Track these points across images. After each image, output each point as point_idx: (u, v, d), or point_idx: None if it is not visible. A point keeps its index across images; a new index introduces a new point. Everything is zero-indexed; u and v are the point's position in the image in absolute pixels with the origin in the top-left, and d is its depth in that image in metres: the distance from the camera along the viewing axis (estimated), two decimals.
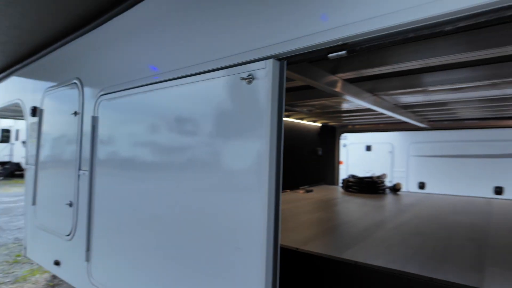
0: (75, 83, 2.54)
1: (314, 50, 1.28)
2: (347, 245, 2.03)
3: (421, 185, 7.04)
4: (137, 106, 1.99)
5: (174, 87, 1.75)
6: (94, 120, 2.31)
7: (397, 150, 7.53)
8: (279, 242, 1.36)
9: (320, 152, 5.64)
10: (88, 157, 2.31)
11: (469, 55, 1.86)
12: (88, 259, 2.28)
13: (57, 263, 2.66)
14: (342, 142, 7.25)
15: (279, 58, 1.37)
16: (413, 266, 1.68)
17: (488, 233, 2.38)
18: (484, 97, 2.91)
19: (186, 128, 1.70)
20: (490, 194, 5.93)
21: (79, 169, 2.43)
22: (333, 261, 1.79)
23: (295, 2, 1.31)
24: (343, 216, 3.03)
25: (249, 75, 1.42)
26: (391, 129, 5.97)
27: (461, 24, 1.01)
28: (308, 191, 4.53)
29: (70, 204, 2.48)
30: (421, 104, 3.35)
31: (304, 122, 5.20)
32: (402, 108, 3.53)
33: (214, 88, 1.56)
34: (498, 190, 5.93)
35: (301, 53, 1.32)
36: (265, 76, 1.37)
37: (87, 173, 2.32)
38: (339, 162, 6.42)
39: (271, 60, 1.36)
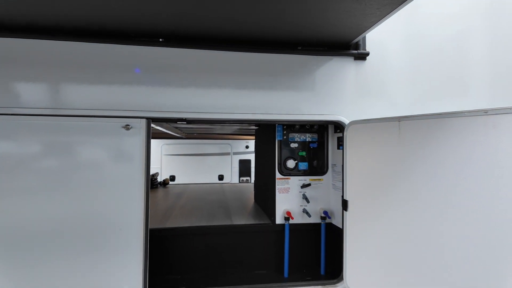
0: None
1: (170, 118, 2.52)
2: (165, 220, 3.33)
3: (172, 178, 9.09)
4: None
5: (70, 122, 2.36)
6: None
7: (152, 150, 9.17)
8: (148, 225, 2.48)
9: None
10: None
11: None
12: None
13: None
14: None
15: (148, 118, 2.48)
16: (203, 222, 3.26)
17: (227, 202, 4.41)
18: (209, 127, 5.20)
19: (81, 153, 2.38)
20: (217, 180, 8.90)
21: None
22: (164, 230, 3.05)
23: (163, 92, 2.48)
24: None
25: (127, 125, 2.43)
26: (162, 137, 7.76)
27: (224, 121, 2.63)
28: None
29: None
30: (185, 127, 5.11)
31: None
32: (174, 127, 5.11)
33: (106, 129, 2.40)
34: (221, 177, 9.01)
35: (162, 118, 2.51)
36: (140, 127, 2.45)
37: None
38: None
39: (144, 119, 2.45)
